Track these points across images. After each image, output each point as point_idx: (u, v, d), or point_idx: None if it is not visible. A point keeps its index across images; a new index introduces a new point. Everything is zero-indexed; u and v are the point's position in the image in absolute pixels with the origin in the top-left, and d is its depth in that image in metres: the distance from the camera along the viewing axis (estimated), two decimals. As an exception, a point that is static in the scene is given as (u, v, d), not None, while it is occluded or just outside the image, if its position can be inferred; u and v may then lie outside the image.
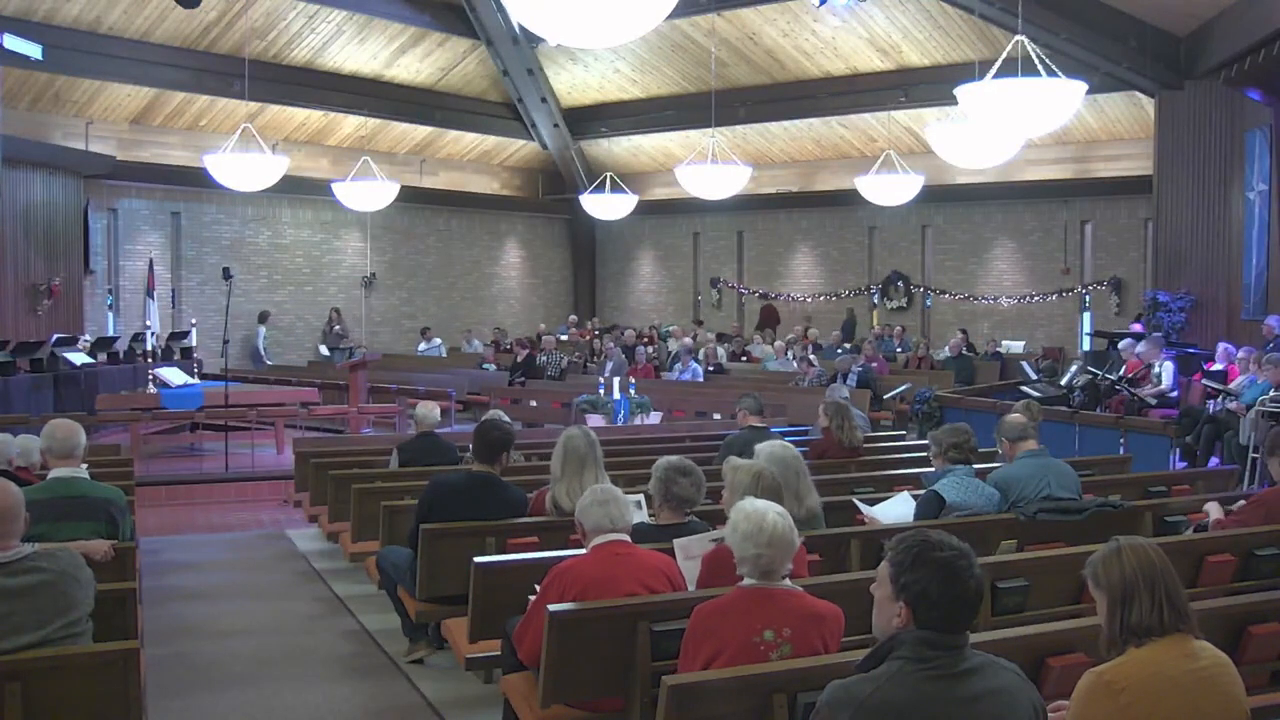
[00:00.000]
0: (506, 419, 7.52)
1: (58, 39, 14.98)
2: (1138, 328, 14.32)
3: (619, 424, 11.81)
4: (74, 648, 3.40)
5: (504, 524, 5.40)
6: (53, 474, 4.83)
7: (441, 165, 22.07)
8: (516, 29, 18.32)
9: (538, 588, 4.18)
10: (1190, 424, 10.33)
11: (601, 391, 12.66)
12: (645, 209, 20.92)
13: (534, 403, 15.27)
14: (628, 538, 4.01)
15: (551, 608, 3.68)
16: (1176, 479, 7.48)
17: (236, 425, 12.38)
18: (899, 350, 17.76)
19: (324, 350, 19.62)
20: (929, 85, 16.81)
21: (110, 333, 16.72)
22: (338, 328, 19.77)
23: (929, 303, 19.73)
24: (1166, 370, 11.48)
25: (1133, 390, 11.47)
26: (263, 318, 19.33)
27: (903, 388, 14.17)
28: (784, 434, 8.06)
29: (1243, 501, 5.48)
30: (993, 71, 9.47)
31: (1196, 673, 2.61)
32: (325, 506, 7.67)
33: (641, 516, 4.95)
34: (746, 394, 7.86)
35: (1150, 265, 15.71)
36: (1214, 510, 5.36)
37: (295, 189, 18.48)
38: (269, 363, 18.89)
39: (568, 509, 5.01)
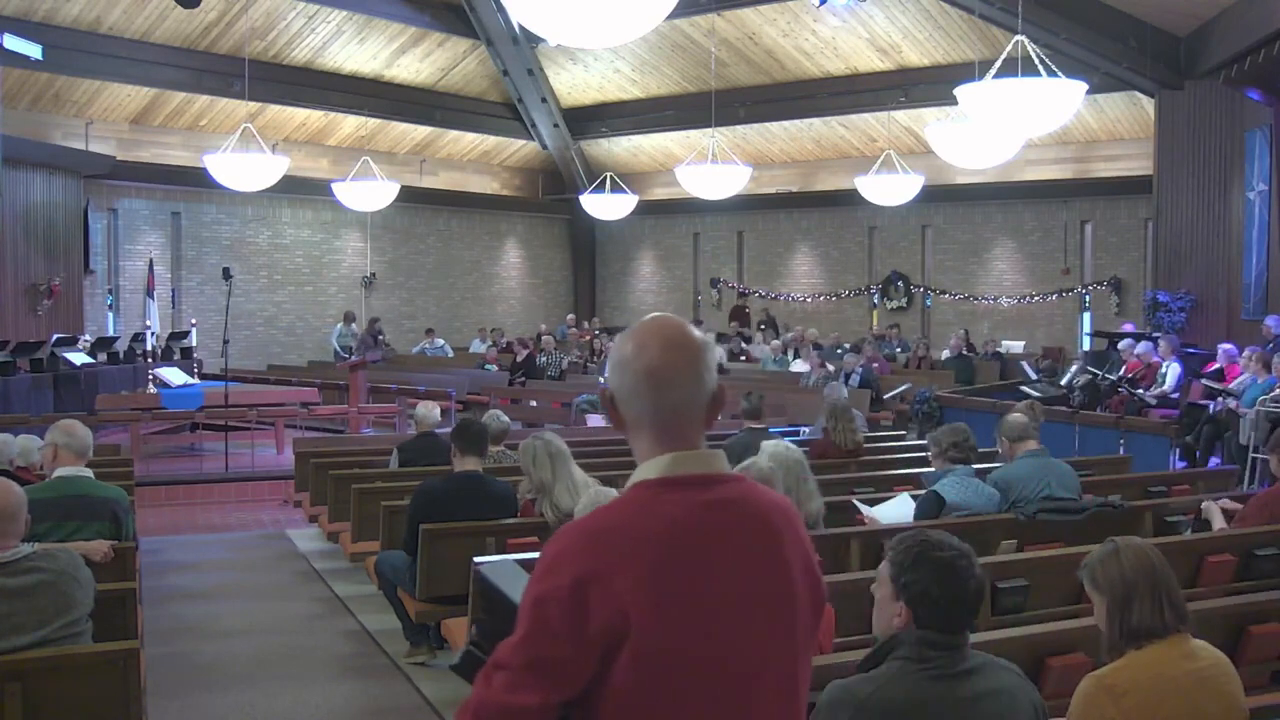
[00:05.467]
0: (505, 418, 7.55)
1: (58, 39, 14.97)
2: (1129, 327, 14.33)
3: (619, 424, 11.77)
4: (74, 648, 3.41)
5: (504, 524, 5.41)
6: (57, 473, 4.83)
7: (441, 165, 22.07)
8: (516, 29, 18.30)
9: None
10: (1190, 424, 10.33)
11: (602, 391, 12.64)
12: (645, 209, 20.92)
13: (534, 403, 15.28)
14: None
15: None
16: (1176, 479, 7.48)
17: (236, 425, 12.38)
18: (899, 350, 17.76)
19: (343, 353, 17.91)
20: (929, 85, 16.81)
21: (110, 333, 16.71)
22: (382, 338, 17.58)
23: (929, 303, 19.73)
24: (1172, 371, 11.47)
25: (1133, 390, 11.47)
26: (348, 318, 18.46)
27: (903, 388, 14.17)
28: (782, 434, 8.05)
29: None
30: (993, 71, 9.48)
31: (1196, 673, 2.61)
32: (325, 506, 7.67)
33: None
34: (748, 393, 7.81)
35: (1150, 265, 15.71)
36: (1216, 520, 5.31)
37: (295, 189, 18.46)
38: (344, 359, 18.07)
39: (567, 508, 5.01)
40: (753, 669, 1.75)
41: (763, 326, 20.01)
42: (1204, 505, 5.41)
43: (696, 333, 1.84)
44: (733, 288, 21.95)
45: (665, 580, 1.68)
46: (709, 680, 1.71)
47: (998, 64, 9.59)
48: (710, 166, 16.19)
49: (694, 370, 1.80)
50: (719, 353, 17.54)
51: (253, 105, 15.91)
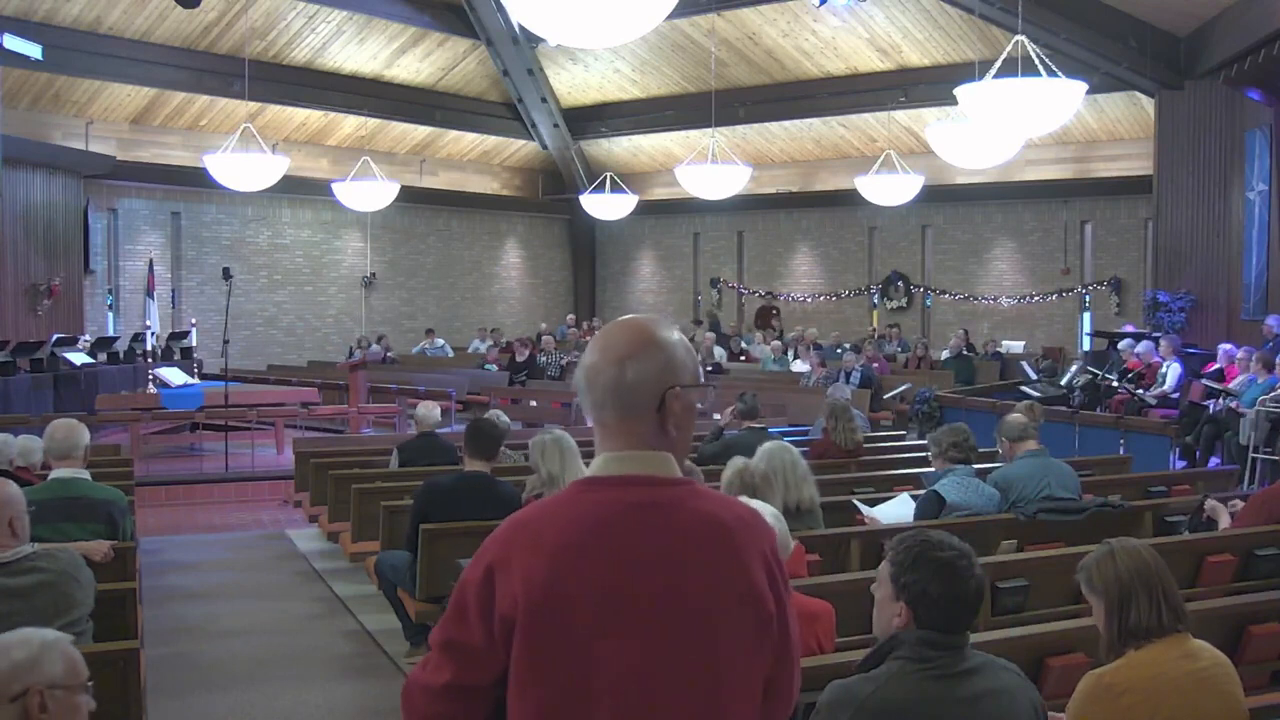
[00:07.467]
0: (505, 418, 7.55)
1: (58, 39, 14.97)
2: (1130, 328, 14.33)
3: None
4: (74, 648, 3.40)
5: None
6: (53, 474, 4.83)
7: (441, 165, 22.07)
8: (516, 29, 18.30)
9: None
10: (1190, 424, 10.33)
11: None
12: (645, 209, 20.92)
13: (534, 403, 15.26)
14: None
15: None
16: (1176, 479, 7.48)
17: (236, 425, 12.38)
18: (899, 350, 17.76)
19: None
20: (929, 85, 16.81)
21: (110, 333, 16.71)
22: (389, 355, 18.40)
23: (929, 303, 19.72)
24: (1172, 371, 11.47)
25: (1134, 390, 11.47)
26: (361, 343, 18.10)
27: (903, 388, 14.17)
28: (783, 434, 8.05)
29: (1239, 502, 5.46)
30: (993, 71, 9.48)
31: (1196, 674, 2.61)
32: (325, 506, 7.68)
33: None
34: (743, 394, 7.84)
35: (1150, 265, 15.70)
36: (1223, 519, 5.30)
37: (295, 189, 18.46)
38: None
39: None
40: (644, 680, 1.67)
41: (706, 322, 20.19)
42: (1209, 505, 5.38)
43: (649, 334, 1.77)
44: (733, 287, 21.95)
45: (555, 576, 1.67)
46: (589, 683, 1.66)
47: (998, 64, 9.59)
48: (710, 166, 16.19)
49: (619, 369, 1.75)
50: (718, 353, 17.53)
51: (253, 105, 15.91)
